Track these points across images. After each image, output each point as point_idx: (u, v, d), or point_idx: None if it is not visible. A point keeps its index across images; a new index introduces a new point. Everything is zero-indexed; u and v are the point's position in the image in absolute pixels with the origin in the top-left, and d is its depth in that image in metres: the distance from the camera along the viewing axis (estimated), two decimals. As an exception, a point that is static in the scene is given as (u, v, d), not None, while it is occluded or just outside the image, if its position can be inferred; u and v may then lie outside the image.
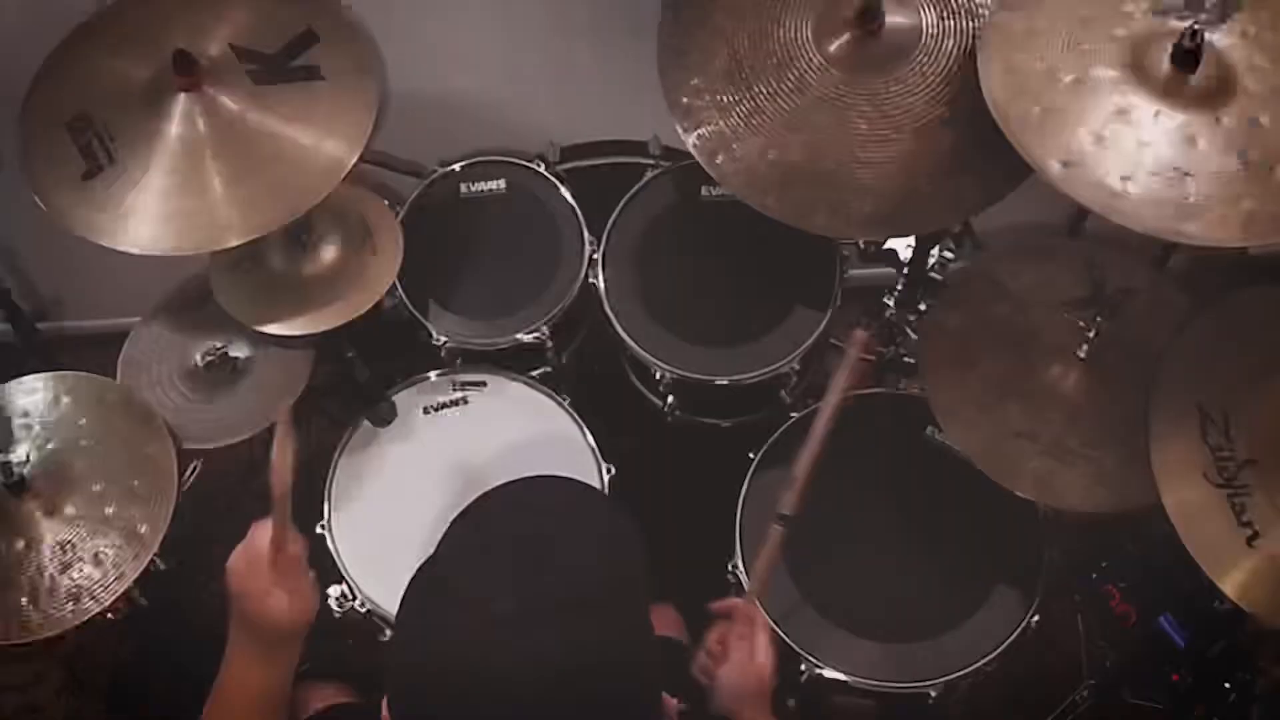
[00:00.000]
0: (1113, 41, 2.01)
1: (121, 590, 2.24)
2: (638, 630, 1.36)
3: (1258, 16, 2.05)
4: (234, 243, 2.21)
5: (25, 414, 2.38)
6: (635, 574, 1.37)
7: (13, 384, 2.42)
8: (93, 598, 2.23)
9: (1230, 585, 2.02)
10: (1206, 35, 1.95)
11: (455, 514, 1.40)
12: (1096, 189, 1.90)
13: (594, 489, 1.43)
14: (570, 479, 1.45)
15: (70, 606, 2.22)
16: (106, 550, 2.27)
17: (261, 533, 1.93)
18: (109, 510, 2.30)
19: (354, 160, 2.27)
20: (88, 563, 2.25)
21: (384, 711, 1.33)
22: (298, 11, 2.37)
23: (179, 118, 2.26)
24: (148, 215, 2.20)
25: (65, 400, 2.40)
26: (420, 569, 1.35)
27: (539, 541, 1.31)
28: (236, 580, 1.90)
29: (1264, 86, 1.99)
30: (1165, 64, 1.98)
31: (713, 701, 1.92)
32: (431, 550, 1.36)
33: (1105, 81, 1.98)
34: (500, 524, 1.36)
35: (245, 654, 1.88)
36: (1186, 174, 1.91)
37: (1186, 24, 1.97)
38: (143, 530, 2.29)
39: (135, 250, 2.18)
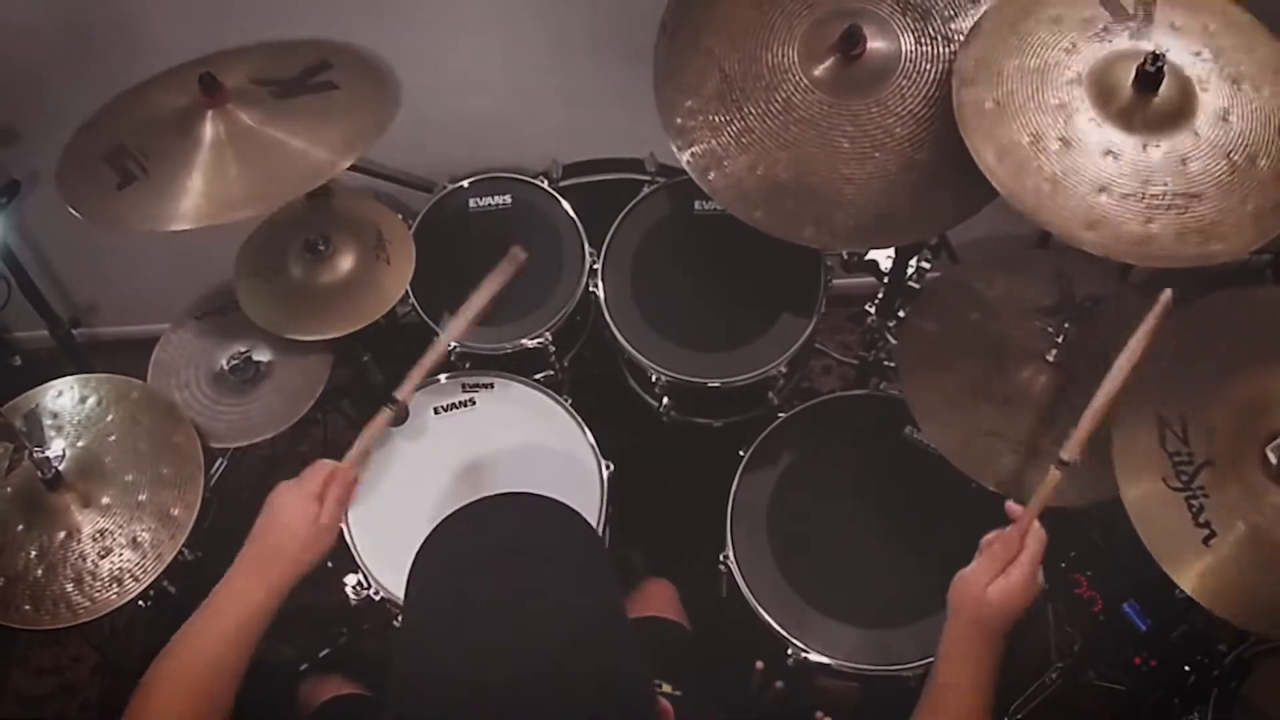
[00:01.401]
0: (1075, 84, 2.03)
1: (160, 569, 2.25)
2: (624, 643, 1.34)
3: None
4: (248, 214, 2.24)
5: (55, 415, 2.38)
6: (608, 581, 1.35)
7: (42, 388, 2.42)
8: (134, 579, 2.23)
9: (1188, 582, 2.01)
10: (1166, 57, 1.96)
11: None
12: (1125, 240, 1.93)
13: (559, 504, 1.40)
14: (535, 495, 1.42)
15: (114, 589, 2.22)
16: (143, 534, 2.27)
17: (322, 464, 1.93)
18: (142, 497, 2.30)
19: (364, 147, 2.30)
20: (126, 547, 2.26)
21: None
22: (311, 49, 2.41)
23: (206, 131, 2.28)
24: (174, 201, 2.21)
25: (91, 400, 2.40)
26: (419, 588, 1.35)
27: (521, 561, 1.31)
28: (282, 491, 1.91)
29: (1217, 86, 2.02)
30: (1128, 93, 1.98)
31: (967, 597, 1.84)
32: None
33: (1085, 129, 2.00)
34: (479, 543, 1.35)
35: (252, 568, 1.88)
36: (1193, 196, 1.93)
37: (1124, 34, 2.02)
38: (175, 513, 2.29)
39: (165, 228, 2.19)
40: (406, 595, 1.36)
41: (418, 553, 1.38)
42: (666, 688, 1.81)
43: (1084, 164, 1.96)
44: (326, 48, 2.44)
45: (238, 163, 2.25)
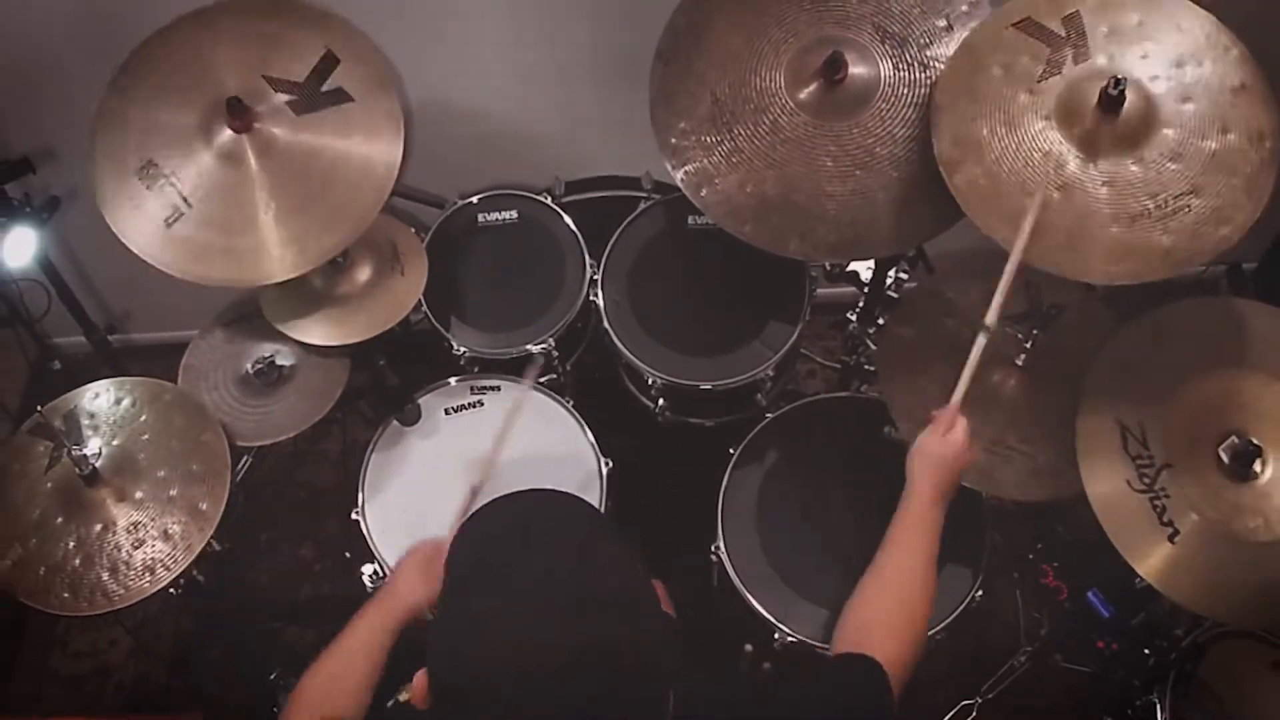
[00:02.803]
0: (1049, 127, 2.01)
1: (190, 560, 2.24)
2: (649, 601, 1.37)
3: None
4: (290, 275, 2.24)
5: (92, 416, 2.37)
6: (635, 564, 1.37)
7: (80, 390, 2.41)
8: (165, 568, 2.22)
9: (1150, 574, 2.03)
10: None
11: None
12: (1152, 260, 1.93)
13: (579, 499, 1.43)
14: (557, 492, 1.44)
15: (147, 578, 2.21)
16: (174, 527, 2.26)
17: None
18: (173, 492, 2.29)
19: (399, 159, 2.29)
20: (158, 539, 2.24)
21: (418, 680, 1.33)
22: (313, 36, 2.36)
23: (236, 158, 2.26)
24: (219, 252, 2.22)
25: (126, 402, 2.39)
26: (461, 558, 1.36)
27: (563, 543, 1.32)
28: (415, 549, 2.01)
29: (1166, 75, 2.03)
30: (1097, 116, 1.98)
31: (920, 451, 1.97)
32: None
33: (1075, 168, 1.99)
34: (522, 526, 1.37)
35: (378, 601, 1.94)
36: (1191, 192, 1.94)
37: (1069, 58, 2.03)
38: (204, 506, 2.28)
39: (214, 284, 2.22)
40: (447, 577, 1.37)
41: (456, 538, 1.40)
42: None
43: (1087, 203, 1.95)
44: (324, 27, 2.38)
45: (280, 212, 2.24)
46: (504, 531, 1.37)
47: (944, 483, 1.92)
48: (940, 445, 1.95)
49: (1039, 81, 2.03)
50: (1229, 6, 2.07)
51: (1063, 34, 2.06)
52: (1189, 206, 1.93)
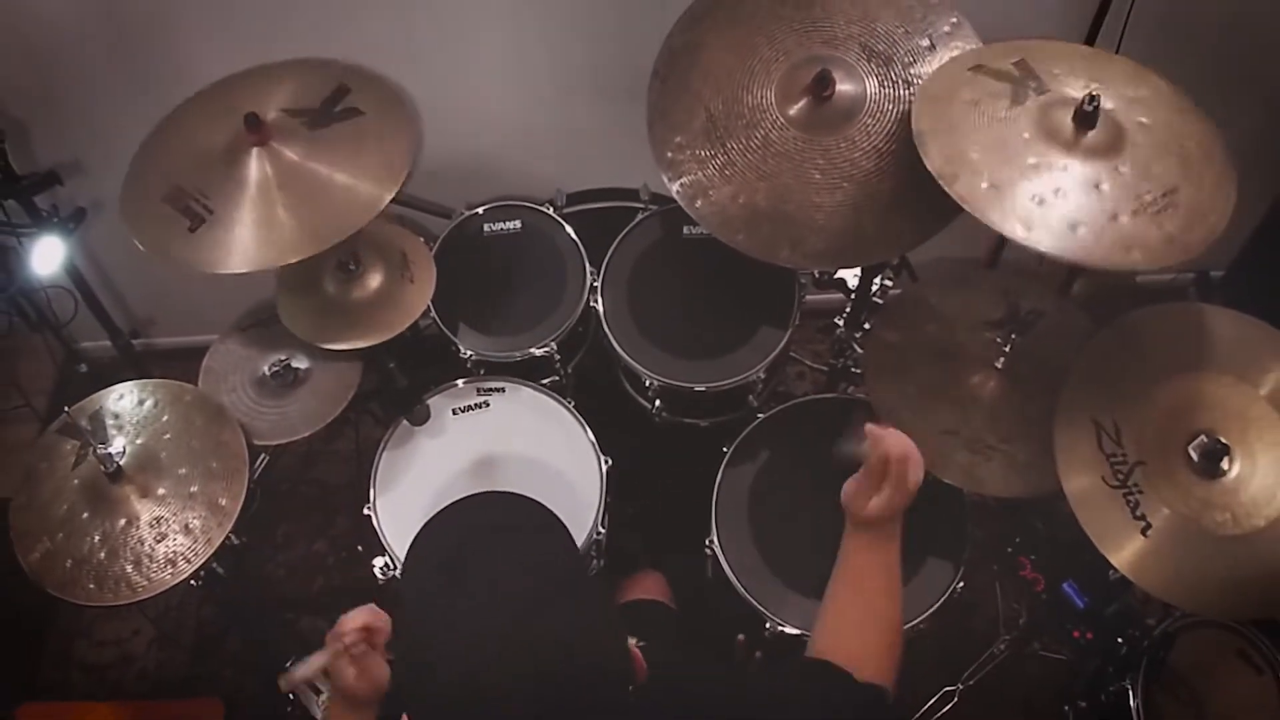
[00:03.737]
0: (1034, 141, 1.99)
1: (210, 553, 2.24)
2: (598, 606, 1.35)
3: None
4: (297, 259, 2.22)
5: (116, 416, 2.37)
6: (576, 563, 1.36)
7: (105, 392, 2.41)
8: (186, 561, 2.22)
9: (1124, 566, 2.02)
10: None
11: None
12: (1158, 248, 1.89)
13: (527, 499, 1.42)
14: (506, 493, 1.44)
15: (169, 570, 2.21)
16: (194, 521, 2.26)
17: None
18: (194, 489, 2.29)
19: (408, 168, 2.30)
20: (179, 533, 2.24)
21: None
22: (327, 75, 2.40)
23: (253, 169, 2.27)
24: (237, 246, 2.21)
25: (149, 403, 2.39)
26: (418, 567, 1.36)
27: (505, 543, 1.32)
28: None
29: (1119, 99, 2.03)
30: (1073, 130, 1.97)
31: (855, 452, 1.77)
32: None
33: (1063, 176, 1.94)
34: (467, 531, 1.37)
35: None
36: (1174, 190, 1.93)
37: (1032, 92, 2.01)
38: (223, 502, 2.28)
39: (231, 271, 2.19)
40: (403, 569, 1.38)
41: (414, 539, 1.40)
42: (633, 641, 1.81)
43: (1084, 202, 1.92)
44: (338, 68, 2.43)
45: (288, 205, 2.25)
46: (449, 548, 1.37)
47: (880, 531, 1.77)
48: (869, 507, 1.75)
49: (1011, 108, 2.01)
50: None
51: (1018, 74, 2.06)
52: (1175, 203, 1.92)
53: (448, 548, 1.37)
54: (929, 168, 1.96)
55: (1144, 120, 2.00)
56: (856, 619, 1.71)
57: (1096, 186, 1.93)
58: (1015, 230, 1.89)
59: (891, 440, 1.70)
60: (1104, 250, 1.88)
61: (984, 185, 1.93)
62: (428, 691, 1.26)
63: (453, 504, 1.43)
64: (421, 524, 1.43)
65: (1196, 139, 2.01)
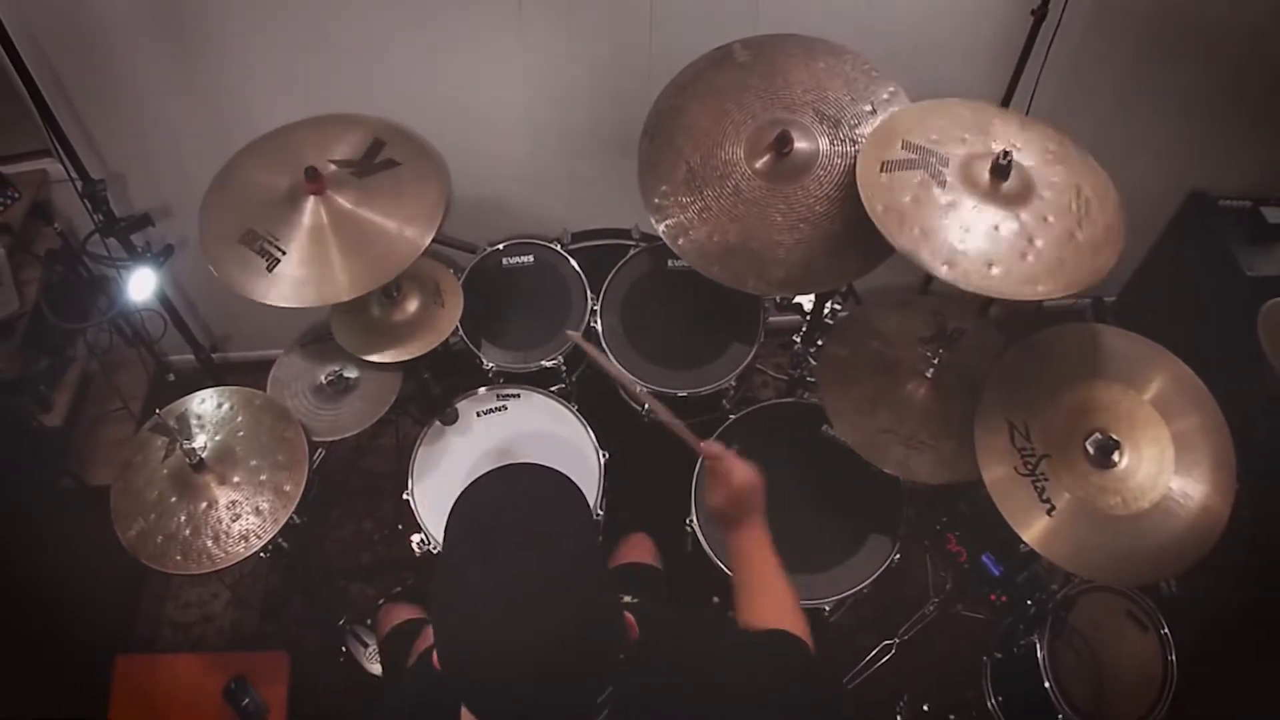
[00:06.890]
0: (978, 205, 1.98)
1: (276, 530, 2.23)
2: (596, 570, 1.32)
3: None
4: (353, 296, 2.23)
5: (199, 417, 2.36)
6: (590, 529, 1.32)
7: (190, 397, 2.40)
8: (257, 536, 2.22)
9: (1036, 543, 2.03)
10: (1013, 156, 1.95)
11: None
12: (1083, 268, 1.92)
13: (557, 473, 1.38)
14: (537, 465, 1.38)
15: (243, 544, 2.21)
16: (264, 504, 2.25)
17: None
18: (263, 477, 2.28)
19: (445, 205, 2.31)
20: (251, 514, 2.23)
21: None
22: (364, 128, 2.42)
23: (308, 214, 2.27)
24: (309, 284, 2.22)
25: (226, 406, 2.38)
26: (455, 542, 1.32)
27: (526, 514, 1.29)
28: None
29: (1031, 156, 2.03)
30: (990, 181, 1.98)
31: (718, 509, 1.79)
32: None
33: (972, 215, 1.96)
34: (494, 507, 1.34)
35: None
36: (1085, 214, 1.96)
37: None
38: (288, 489, 2.27)
39: (298, 305, 2.19)
40: (446, 531, 1.34)
41: (456, 500, 1.36)
42: (627, 598, 1.79)
43: (997, 243, 1.92)
44: (372, 123, 2.43)
45: (342, 248, 2.25)
46: (490, 511, 1.33)
47: (740, 519, 1.77)
48: (711, 495, 1.79)
49: (940, 188, 1.99)
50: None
51: (914, 156, 2.02)
52: (1090, 216, 1.96)
53: (485, 516, 1.34)
54: (872, 219, 1.96)
55: (1053, 179, 2.01)
56: (758, 587, 1.75)
57: (997, 228, 1.94)
58: (940, 269, 1.90)
59: (712, 451, 1.79)
60: (1013, 285, 1.89)
61: (915, 231, 1.94)
62: (462, 658, 1.22)
63: (493, 471, 1.40)
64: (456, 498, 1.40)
65: (1092, 186, 2.01)
